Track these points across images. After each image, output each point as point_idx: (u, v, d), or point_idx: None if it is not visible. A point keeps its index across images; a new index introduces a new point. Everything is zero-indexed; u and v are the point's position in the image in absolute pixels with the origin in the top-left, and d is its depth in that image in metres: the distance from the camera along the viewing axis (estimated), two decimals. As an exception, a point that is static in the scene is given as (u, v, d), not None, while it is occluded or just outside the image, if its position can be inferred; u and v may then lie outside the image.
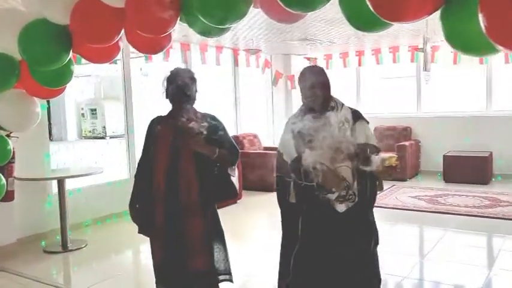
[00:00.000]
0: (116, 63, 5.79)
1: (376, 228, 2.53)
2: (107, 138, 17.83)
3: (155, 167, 2.59)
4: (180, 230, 2.55)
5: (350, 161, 2.40)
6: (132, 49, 6.26)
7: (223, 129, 2.68)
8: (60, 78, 2.80)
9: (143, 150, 2.71)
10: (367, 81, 9.30)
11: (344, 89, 9.64)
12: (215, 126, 2.63)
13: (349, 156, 2.40)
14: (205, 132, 2.54)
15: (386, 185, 7.07)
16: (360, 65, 8.69)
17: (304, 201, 2.55)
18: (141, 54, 6.18)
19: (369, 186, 2.45)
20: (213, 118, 2.68)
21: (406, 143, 7.73)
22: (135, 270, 4.44)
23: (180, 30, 4.19)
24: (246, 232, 5.50)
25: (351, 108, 2.54)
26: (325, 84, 2.51)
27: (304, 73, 2.56)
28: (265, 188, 7.20)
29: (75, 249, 4.78)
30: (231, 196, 2.74)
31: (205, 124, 2.59)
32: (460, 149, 7.72)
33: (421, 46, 7.44)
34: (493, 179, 7.45)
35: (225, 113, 7.69)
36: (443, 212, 5.60)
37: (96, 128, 18.63)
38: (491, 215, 5.37)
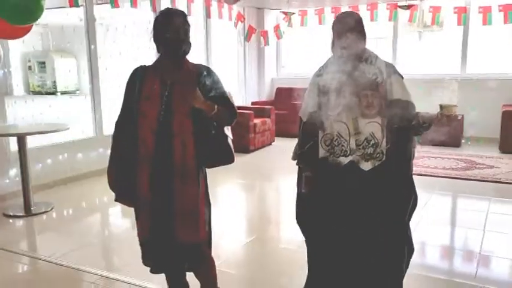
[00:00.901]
0: (77, 5, 5.12)
1: (413, 192, 2.32)
2: (58, 93, 16.79)
3: (142, 125, 2.22)
4: (170, 197, 2.24)
5: (381, 117, 2.19)
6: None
7: (220, 83, 2.36)
8: (28, 13, 2.32)
9: (123, 106, 2.32)
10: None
11: (318, 47, 9.36)
12: (212, 80, 2.31)
13: (380, 111, 2.19)
14: (203, 86, 2.22)
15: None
16: (335, 22, 8.38)
17: (307, 163, 2.34)
18: (107, 0, 5.57)
19: (401, 144, 2.23)
20: (209, 70, 2.35)
21: (382, 104, 7.61)
22: (108, 236, 4.09)
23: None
24: (216, 194, 5.24)
25: (385, 62, 2.30)
26: (359, 33, 2.24)
27: (337, 19, 2.29)
28: (237, 149, 6.90)
29: (40, 213, 4.35)
30: (227, 161, 2.40)
31: (203, 77, 2.28)
32: (433, 111, 7.70)
33: (401, 3, 7.23)
34: (463, 141, 7.52)
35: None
36: (425, 174, 5.56)
37: (45, 82, 17.44)
38: (470, 177, 5.39)
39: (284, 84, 9.10)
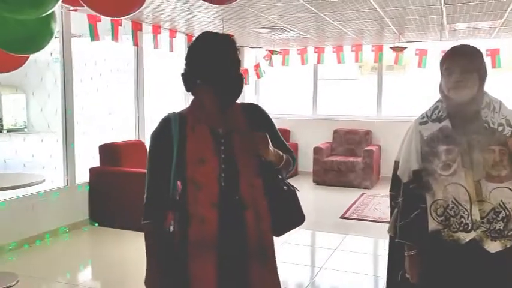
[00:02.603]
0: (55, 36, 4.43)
1: None
2: (4, 132, 15.51)
3: (196, 199, 1.61)
4: None
5: None
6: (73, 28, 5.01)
7: (273, 123, 1.85)
8: (33, 40, 1.67)
9: (154, 177, 1.68)
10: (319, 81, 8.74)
11: (298, 87, 9.06)
12: (268, 121, 1.81)
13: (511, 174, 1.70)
14: (260, 130, 1.70)
15: (355, 193, 6.62)
16: (318, 62, 8.11)
17: (412, 239, 1.83)
18: (86, 33, 4.92)
19: None
20: (259, 109, 1.83)
21: (372, 148, 7.29)
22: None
23: None
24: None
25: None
26: (481, 70, 1.77)
27: (452, 53, 1.80)
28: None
29: (3, 289, 3.47)
30: (300, 221, 1.83)
31: (258, 118, 1.78)
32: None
33: (391, 45, 7.05)
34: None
35: (176, 105, 6.63)
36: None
37: (-10, 119, 16.12)
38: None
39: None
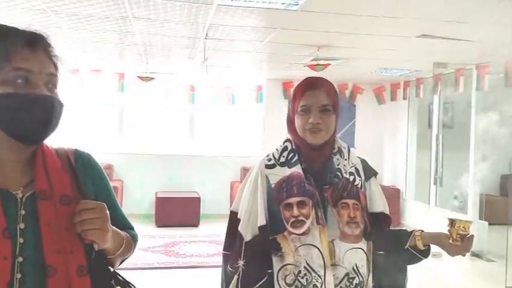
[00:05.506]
0: None
1: None
2: None
3: None
4: None
5: (366, 240, 1.50)
6: None
7: (109, 180, 1.27)
8: None
9: None
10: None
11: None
12: (105, 182, 1.22)
13: (365, 232, 1.50)
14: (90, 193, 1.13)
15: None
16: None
17: None
18: None
19: (393, 281, 1.55)
20: (95, 164, 1.21)
21: (116, 184, 6.62)
22: None
23: None
24: None
25: (359, 156, 1.63)
26: (336, 109, 1.53)
27: (308, 88, 1.51)
28: None
29: None
30: None
31: (89, 175, 1.17)
32: (166, 190, 7.26)
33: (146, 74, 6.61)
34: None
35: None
36: (198, 265, 4.90)
37: None
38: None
39: None
